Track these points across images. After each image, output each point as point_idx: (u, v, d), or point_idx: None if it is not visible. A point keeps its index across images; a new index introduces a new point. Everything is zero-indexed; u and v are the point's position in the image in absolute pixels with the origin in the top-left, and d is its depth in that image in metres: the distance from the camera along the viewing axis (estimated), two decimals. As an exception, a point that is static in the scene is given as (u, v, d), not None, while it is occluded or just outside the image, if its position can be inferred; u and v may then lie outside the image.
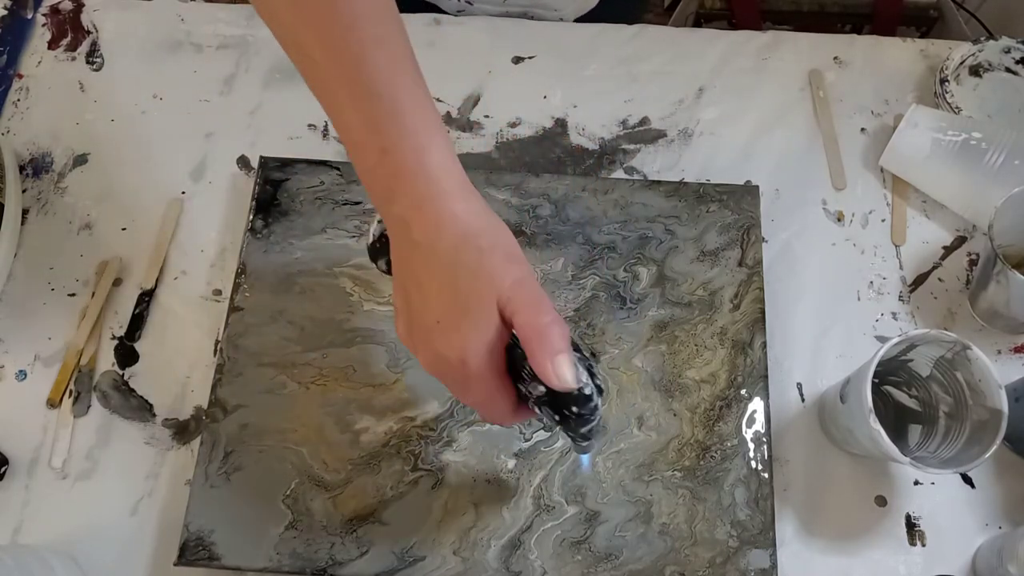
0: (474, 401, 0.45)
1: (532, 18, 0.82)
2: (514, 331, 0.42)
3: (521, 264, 0.43)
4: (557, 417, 0.44)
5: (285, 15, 0.43)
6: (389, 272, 0.47)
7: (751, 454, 0.59)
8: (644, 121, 0.75)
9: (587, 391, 0.42)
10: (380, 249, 0.49)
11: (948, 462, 0.55)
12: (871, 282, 0.69)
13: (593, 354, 0.48)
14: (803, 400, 0.65)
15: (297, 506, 0.58)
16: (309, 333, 0.63)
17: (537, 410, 0.46)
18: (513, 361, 0.44)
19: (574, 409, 0.43)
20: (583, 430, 0.45)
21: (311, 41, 0.42)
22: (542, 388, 0.43)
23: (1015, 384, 0.61)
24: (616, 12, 0.83)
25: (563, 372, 0.40)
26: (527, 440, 0.60)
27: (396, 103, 0.42)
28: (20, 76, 0.77)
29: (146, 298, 0.68)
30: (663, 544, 0.57)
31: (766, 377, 0.61)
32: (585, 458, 0.59)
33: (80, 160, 0.73)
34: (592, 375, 0.43)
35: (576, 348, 0.43)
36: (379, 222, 0.48)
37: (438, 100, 0.76)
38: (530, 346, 0.41)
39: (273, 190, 0.67)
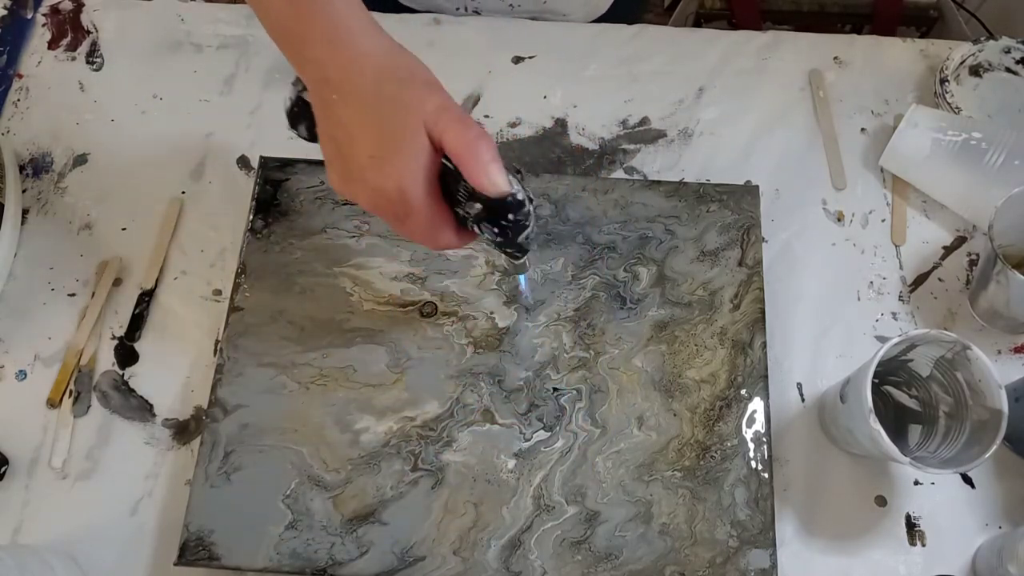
0: (418, 230, 0.45)
1: (540, 20, 0.82)
2: (445, 153, 0.44)
3: (440, 90, 0.44)
4: (496, 230, 0.46)
5: None
6: (310, 138, 0.48)
7: (751, 454, 0.59)
8: (644, 121, 0.75)
9: (519, 196, 0.44)
10: (298, 114, 0.49)
11: (948, 462, 0.55)
12: (871, 282, 0.69)
13: (518, 171, 0.48)
14: (803, 400, 0.65)
15: (297, 506, 0.58)
16: (309, 333, 0.63)
17: (477, 229, 0.47)
18: (447, 187, 0.45)
19: (510, 217, 0.45)
20: (520, 238, 0.47)
21: None
22: (478, 205, 0.44)
23: (1015, 384, 0.61)
24: (617, 14, 0.83)
25: (496, 178, 0.42)
26: (527, 440, 0.60)
27: None
28: (20, 76, 0.77)
29: (146, 298, 0.68)
30: (663, 544, 0.57)
31: (766, 377, 0.61)
32: (523, 278, 0.60)
33: (80, 160, 0.73)
34: (521, 186, 0.45)
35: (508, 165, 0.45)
36: (294, 84, 0.48)
37: (438, 100, 0.76)
38: (462, 161, 0.42)
39: (273, 190, 0.67)
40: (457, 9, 0.80)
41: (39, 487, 0.62)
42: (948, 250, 0.70)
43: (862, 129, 0.75)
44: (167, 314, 0.68)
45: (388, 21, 0.78)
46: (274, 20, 0.45)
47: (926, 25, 1.42)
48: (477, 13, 0.81)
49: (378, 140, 0.43)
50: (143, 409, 0.64)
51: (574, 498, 0.58)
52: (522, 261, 0.52)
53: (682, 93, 0.77)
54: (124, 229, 0.71)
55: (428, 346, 0.62)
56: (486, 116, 0.75)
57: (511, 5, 0.80)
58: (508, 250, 0.49)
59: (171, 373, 0.66)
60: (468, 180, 0.43)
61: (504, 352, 0.62)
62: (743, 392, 0.61)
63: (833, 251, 0.70)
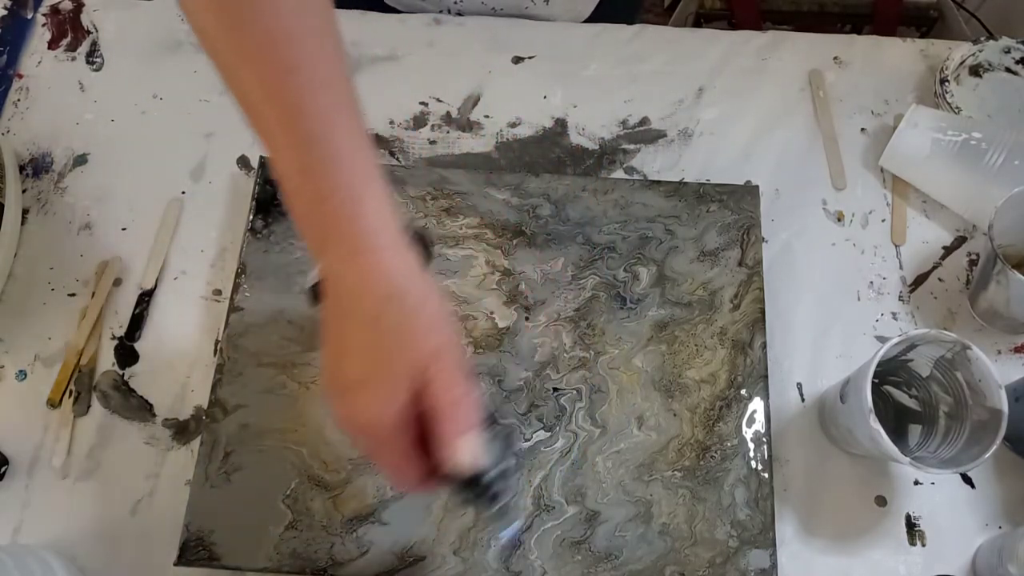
0: (383, 464, 0.43)
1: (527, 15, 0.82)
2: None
3: (444, 330, 0.42)
4: (474, 495, 0.43)
5: (225, 52, 0.41)
6: None
7: (751, 454, 0.59)
8: (644, 121, 0.75)
9: (490, 475, 0.42)
10: (320, 294, 0.46)
11: (948, 462, 0.55)
12: (871, 282, 0.69)
13: (500, 426, 0.46)
14: (803, 400, 0.65)
15: (297, 506, 0.58)
16: (309, 333, 0.63)
17: (460, 493, 0.44)
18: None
19: (489, 489, 0.42)
20: (495, 506, 0.44)
21: (251, 82, 0.41)
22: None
23: (1015, 384, 0.61)
24: (611, 15, 0.83)
25: (463, 455, 0.40)
26: (527, 440, 0.60)
27: (333, 150, 0.41)
28: (20, 76, 0.77)
29: (146, 298, 0.68)
30: (663, 544, 0.57)
31: (766, 377, 0.61)
32: (507, 532, 0.57)
33: (80, 160, 0.73)
34: (510, 446, 0.42)
35: (494, 420, 0.42)
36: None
37: (438, 100, 0.76)
38: (437, 421, 0.40)
39: (273, 190, 0.67)
40: (440, 11, 0.80)
41: (39, 487, 0.62)
42: (948, 250, 0.70)
43: (862, 129, 0.75)
44: (167, 314, 0.68)
45: (388, 21, 0.79)
46: (298, 213, 0.42)
47: (926, 25, 1.42)
48: (460, 15, 0.81)
49: (365, 367, 0.41)
50: (143, 409, 0.64)
51: (574, 498, 0.58)
52: (502, 519, 0.49)
53: (682, 93, 0.77)
54: (124, 229, 0.71)
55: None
56: (486, 116, 0.75)
57: (493, 8, 0.80)
58: (489, 515, 0.47)
59: (171, 373, 0.66)
60: (440, 443, 0.40)
61: (504, 352, 0.62)
62: (743, 392, 0.61)
63: (833, 251, 0.70)
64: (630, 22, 0.81)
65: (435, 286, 0.43)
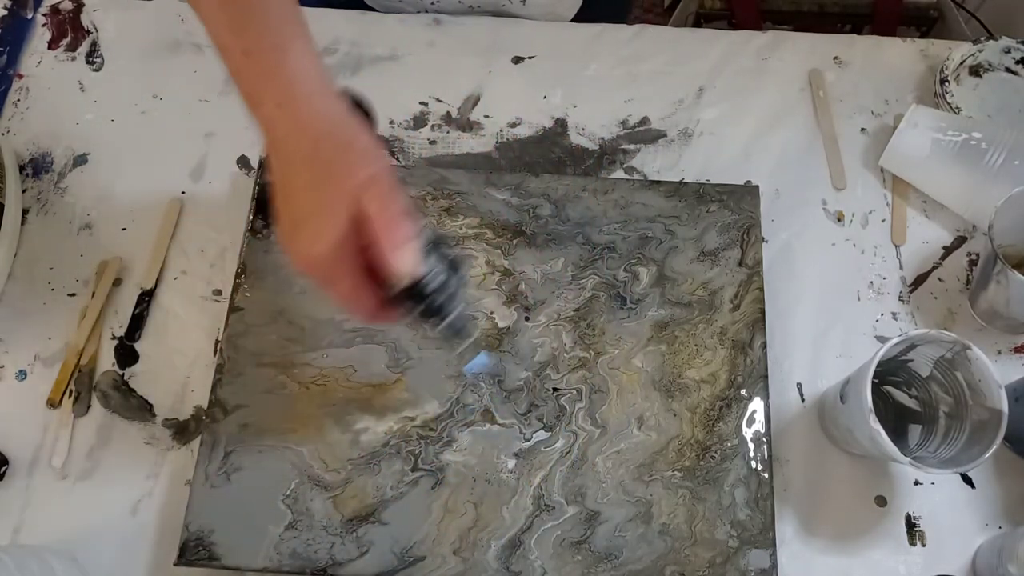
0: (338, 297, 0.46)
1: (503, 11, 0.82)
2: None
3: (377, 160, 0.45)
4: (423, 309, 0.46)
5: None
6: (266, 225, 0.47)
7: (751, 454, 0.59)
8: (644, 121, 0.75)
9: (432, 284, 0.45)
10: (264, 202, 0.50)
11: (948, 462, 0.55)
12: (871, 282, 0.69)
13: (444, 248, 0.48)
14: (803, 400, 0.65)
15: (297, 506, 0.58)
16: (309, 333, 0.63)
17: (410, 311, 0.47)
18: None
19: (426, 300, 0.45)
20: (443, 324, 0.47)
21: None
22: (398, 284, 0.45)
23: (1015, 384, 0.61)
24: (597, 18, 0.82)
25: (403, 262, 0.43)
26: (527, 440, 0.60)
27: (261, 11, 0.43)
28: (20, 76, 0.77)
29: (146, 298, 0.68)
30: (663, 544, 0.57)
31: (766, 377, 0.61)
32: (474, 363, 0.58)
33: (80, 160, 0.73)
34: (455, 268, 0.46)
35: (436, 243, 0.46)
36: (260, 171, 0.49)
37: (438, 100, 0.76)
38: (377, 238, 0.43)
39: (273, 190, 0.67)
40: (419, 12, 0.81)
41: (39, 487, 0.62)
42: (948, 250, 0.70)
43: (862, 129, 0.75)
44: (167, 314, 0.68)
45: (388, 21, 0.79)
46: (232, 71, 0.45)
47: (926, 25, 1.42)
48: (438, 13, 0.80)
49: (302, 205, 0.44)
50: (143, 409, 0.64)
51: (574, 498, 0.58)
52: (459, 343, 0.51)
53: (682, 93, 0.77)
54: (124, 229, 0.71)
55: (428, 346, 0.62)
56: (486, 116, 0.75)
57: (471, 7, 0.80)
58: (442, 333, 0.49)
59: (171, 373, 0.66)
60: (379, 257, 0.43)
61: (504, 352, 0.62)
62: (743, 392, 0.61)
63: (833, 251, 0.70)
64: (622, 15, 0.81)
65: (363, 126, 0.45)
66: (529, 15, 0.81)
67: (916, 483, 0.62)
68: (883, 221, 0.71)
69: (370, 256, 0.44)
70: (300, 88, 0.44)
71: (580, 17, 0.83)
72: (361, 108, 0.49)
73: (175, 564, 0.57)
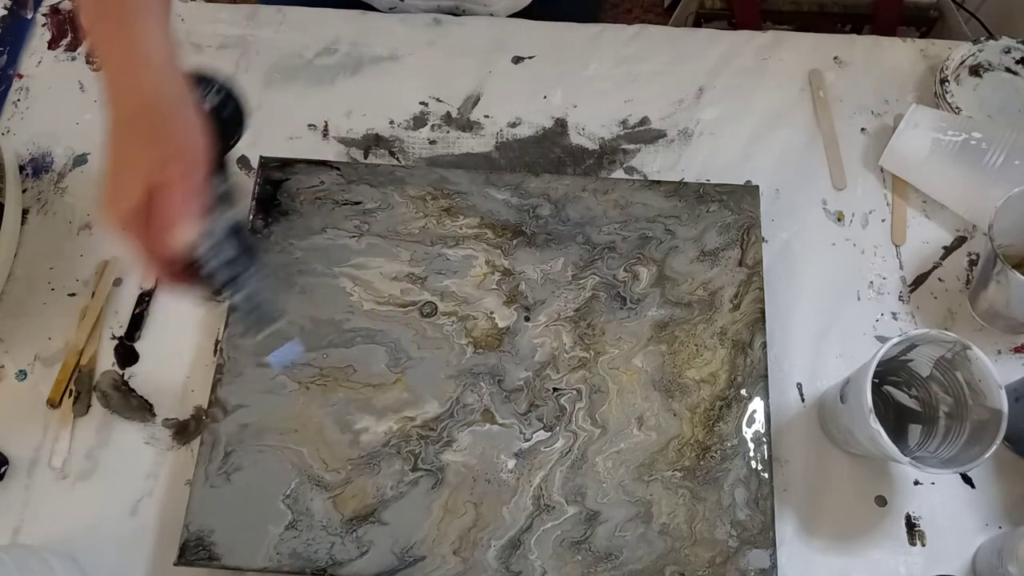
0: (135, 254, 0.48)
1: (463, 13, 0.82)
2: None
3: (189, 137, 0.48)
4: (211, 283, 0.49)
5: None
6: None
7: (751, 454, 0.59)
8: (644, 121, 0.75)
9: (214, 261, 0.48)
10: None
11: (948, 462, 0.55)
12: (871, 282, 0.69)
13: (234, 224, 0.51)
14: (803, 400, 0.65)
15: (297, 506, 0.58)
16: (309, 333, 0.63)
17: (203, 282, 0.50)
18: None
19: (216, 276, 0.49)
20: (236, 296, 0.50)
21: None
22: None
23: (1015, 384, 0.61)
24: (564, 9, 0.82)
25: (176, 237, 0.46)
26: (527, 440, 0.60)
27: None
28: (20, 76, 0.77)
29: (146, 298, 0.68)
30: (663, 544, 0.57)
31: (766, 377, 0.61)
32: (276, 355, 0.56)
33: (80, 160, 0.73)
34: (249, 252, 0.50)
35: (238, 229, 0.50)
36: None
37: (438, 100, 0.76)
38: (160, 209, 0.46)
39: (273, 190, 0.67)
40: (391, 9, 0.81)
41: (39, 487, 0.62)
42: (948, 250, 0.70)
43: (862, 129, 0.75)
44: (167, 314, 0.68)
45: (388, 21, 0.79)
46: (87, 33, 0.50)
47: (926, 25, 1.42)
48: (404, 12, 0.81)
49: (116, 165, 0.47)
50: (143, 409, 0.64)
51: (574, 498, 0.58)
52: (265, 331, 0.53)
53: (682, 93, 0.77)
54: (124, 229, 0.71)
55: (428, 346, 0.62)
56: (486, 116, 0.75)
57: (438, 7, 0.81)
58: (236, 313, 0.51)
59: (171, 373, 0.66)
60: (161, 230, 0.46)
61: (504, 352, 0.62)
62: (743, 392, 0.61)
63: (833, 251, 0.70)
64: (585, 17, 0.81)
65: (197, 106, 0.49)
66: (491, 2, 0.81)
67: (916, 483, 0.62)
68: (883, 221, 0.71)
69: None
70: (137, 58, 0.48)
71: (543, 10, 0.83)
72: (230, 97, 0.54)
73: (175, 564, 0.57)
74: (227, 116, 0.54)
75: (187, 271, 0.49)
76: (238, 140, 0.55)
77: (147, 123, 0.47)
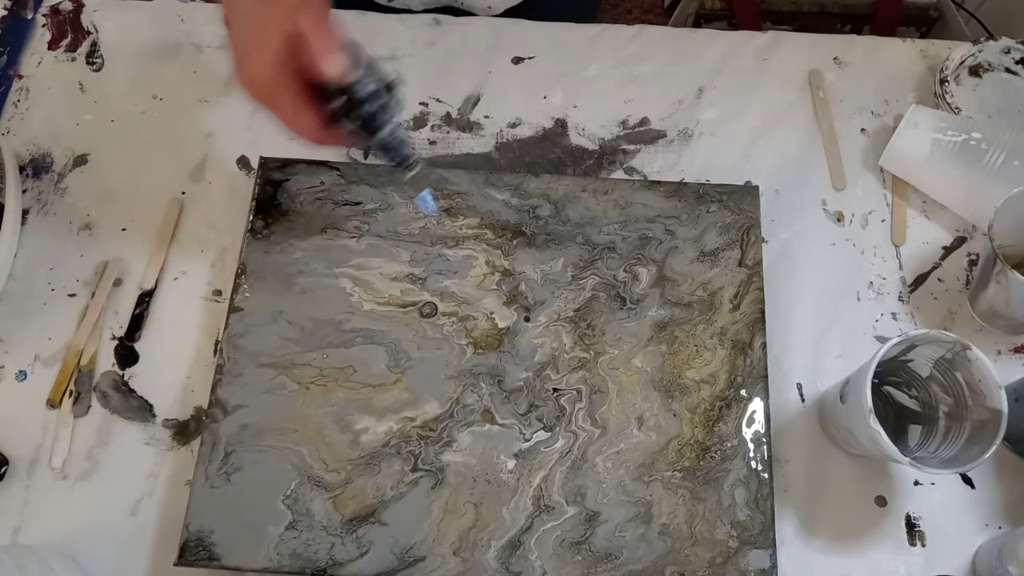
0: (282, 118, 0.50)
1: (460, 9, 0.82)
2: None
3: None
4: (360, 122, 0.51)
5: None
6: None
7: (751, 454, 0.59)
8: (644, 121, 0.75)
9: (364, 91, 0.49)
10: None
11: (948, 462, 0.55)
12: (871, 282, 0.69)
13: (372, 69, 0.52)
14: (803, 400, 0.65)
15: (297, 506, 0.58)
16: (309, 333, 0.63)
17: (348, 125, 0.51)
18: (324, 87, 0.50)
19: (366, 108, 0.50)
20: (383, 132, 0.52)
21: None
22: (343, 98, 0.50)
23: (1015, 384, 0.61)
24: (561, 8, 0.82)
25: (332, 64, 0.47)
26: (527, 440, 0.60)
27: None
28: (20, 76, 0.77)
29: (146, 298, 0.68)
30: (663, 544, 0.57)
31: (766, 377, 0.61)
32: (425, 198, 0.60)
33: (80, 160, 0.73)
34: (389, 87, 0.51)
35: (373, 65, 0.50)
36: None
37: (438, 100, 0.76)
38: (308, 48, 0.47)
39: (273, 190, 0.67)
40: (389, 1, 0.81)
41: (39, 487, 0.62)
42: (948, 250, 0.70)
43: (862, 129, 0.75)
44: (167, 314, 0.68)
45: (388, 21, 0.79)
46: None
47: (926, 25, 1.42)
48: (405, 10, 0.81)
49: (246, 31, 0.48)
50: (143, 409, 0.64)
51: (574, 498, 0.58)
52: (407, 164, 0.55)
53: (682, 93, 0.77)
54: (124, 229, 0.71)
55: (428, 346, 0.62)
56: (486, 116, 0.75)
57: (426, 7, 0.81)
58: (383, 149, 0.53)
59: (171, 373, 0.66)
60: (312, 65, 0.47)
61: (504, 352, 0.62)
62: (743, 392, 0.61)
63: (833, 251, 0.70)
64: (584, 14, 0.81)
65: None
66: (472, 5, 0.81)
67: (916, 483, 0.62)
68: (883, 221, 0.71)
69: (308, 75, 0.48)
70: None
71: (541, 9, 0.83)
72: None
73: (175, 564, 0.57)
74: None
75: (331, 121, 0.51)
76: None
77: None
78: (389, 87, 0.51)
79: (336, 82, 0.49)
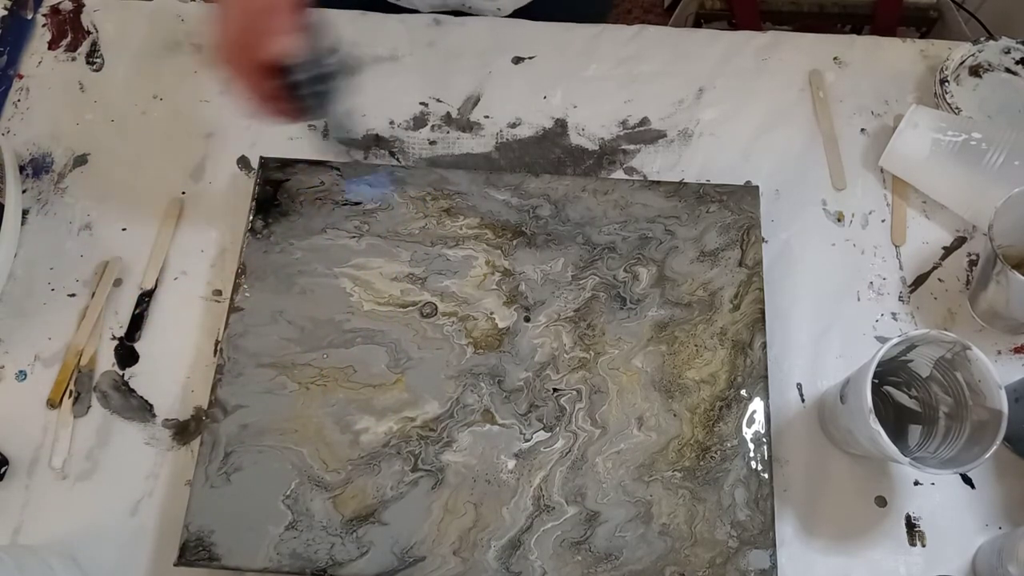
0: (239, 86, 0.54)
1: (469, 10, 0.82)
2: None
3: None
4: (300, 102, 0.55)
5: None
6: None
7: (751, 454, 0.59)
8: (644, 121, 0.75)
9: (312, 71, 0.53)
10: None
11: (948, 462, 0.55)
12: (871, 282, 0.69)
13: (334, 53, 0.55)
14: (803, 400, 0.65)
15: (297, 506, 0.58)
16: (309, 333, 0.63)
17: (291, 104, 0.55)
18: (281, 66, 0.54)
19: (304, 91, 0.54)
20: (318, 113, 0.56)
21: None
22: (285, 78, 0.53)
23: (1015, 384, 0.61)
24: (572, 8, 0.82)
25: (276, 44, 0.51)
26: (527, 440, 0.60)
27: None
28: (20, 76, 0.77)
29: (146, 298, 0.68)
30: (663, 544, 0.57)
31: (766, 377, 0.61)
32: (357, 187, 0.66)
33: (80, 160, 0.73)
34: (328, 72, 0.54)
35: (334, 48, 0.54)
36: None
37: (438, 100, 0.76)
38: (263, 25, 0.51)
39: (273, 190, 0.67)
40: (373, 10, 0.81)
41: (39, 487, 0.62)
42: (948, 250, 0.70)
43: (862, 129, 0.75)
44: (167, 314, 0.68)
45: (388, 21, 0.79)
46: None
47: (926, 25, 1.42)
48: (411, 11, 0.81)
49: (223, 14, 0.53)
50: (143, 409, 0.64)
51: (574, 498, 0.58)
52: (333, 115, 0.58)
53: (682, 93, 0.77)
54: (124, 229, 0.71)
55: (428, 346, 0.62)
56: (486, 116, 0.75)
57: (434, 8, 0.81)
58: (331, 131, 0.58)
59: (171, 373, 0.66)
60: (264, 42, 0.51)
61: (504, 352, 0.62)
62: (743, 392, 0.61)
63: (833, 251, 0.70)
64: (593, 14, 0.81)
65: None
66: (476, 7, 0.81)
67: (916, 483, 0.62)
68: (883, 221, 0.71)
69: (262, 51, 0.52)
70: None
71: (551, 9, 0.83)
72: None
73: (175, 564, 0.57)
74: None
75: (283, 92, 0.54)
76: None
77: None
78: (329, 76, 0.55)
79: (277, 62, 0.52)
